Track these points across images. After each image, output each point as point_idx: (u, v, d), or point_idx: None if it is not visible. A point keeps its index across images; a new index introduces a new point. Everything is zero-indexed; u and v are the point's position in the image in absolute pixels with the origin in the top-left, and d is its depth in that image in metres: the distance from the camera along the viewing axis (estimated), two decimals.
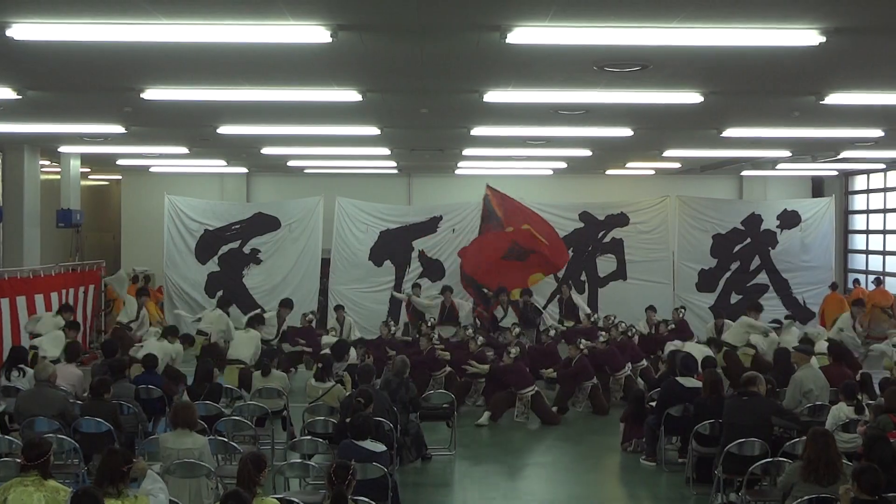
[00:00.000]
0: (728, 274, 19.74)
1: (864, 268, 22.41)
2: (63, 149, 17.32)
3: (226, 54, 8.30)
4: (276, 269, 19.27)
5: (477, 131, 13.56)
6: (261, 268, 19.45)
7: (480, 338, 14.49)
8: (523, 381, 12.88)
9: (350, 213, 19.69)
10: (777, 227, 19.93)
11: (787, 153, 16.71)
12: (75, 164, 18.39)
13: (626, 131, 13.56)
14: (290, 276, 19.18)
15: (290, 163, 19.35)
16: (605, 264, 19.73)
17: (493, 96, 10.35)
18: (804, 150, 16.46)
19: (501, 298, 17.22)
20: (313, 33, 7.25)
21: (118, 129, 13.44)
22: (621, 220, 19.81)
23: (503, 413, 12.88)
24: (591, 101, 10.76)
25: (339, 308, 16.77)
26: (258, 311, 16.12)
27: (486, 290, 17.94)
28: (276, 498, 6.44)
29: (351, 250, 19.50)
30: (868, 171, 21.81)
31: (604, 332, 14.71)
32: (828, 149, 16.33)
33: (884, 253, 21.35)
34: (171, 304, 19.30)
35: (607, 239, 19.81)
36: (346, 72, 9.29)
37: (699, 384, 10.22)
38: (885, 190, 21.30)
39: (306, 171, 21.40)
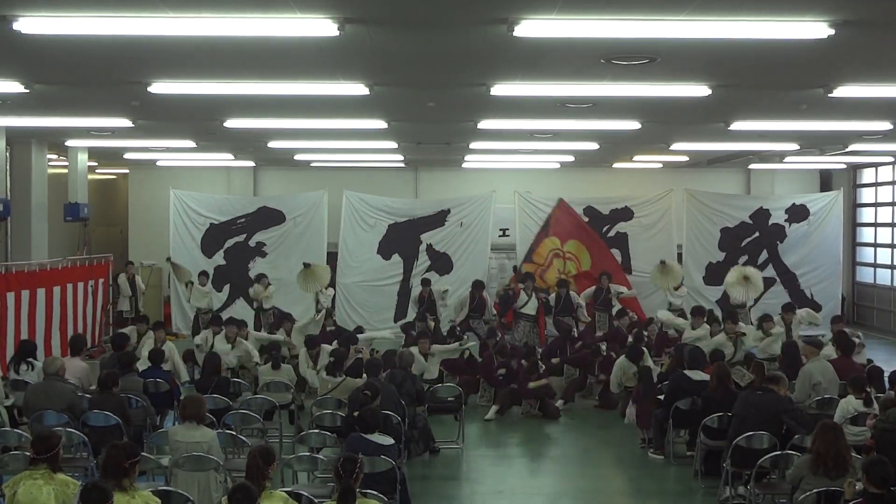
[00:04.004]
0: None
1: (872, 261, 22.35)
2: (70, 143, 17.35)
3: (233, 48, 8.29)
4: (281, 263, 19.29)
5: (484, 125, 13.53)
6: (266, 261, 19.51)
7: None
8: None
9: (357, 206, 19.70)
10: (785, 220, 19.91)
11: (794, 146, 16.65)
12: (82, 158, 18.41)
13: (634, 124, 13.53)
14: (294, 270, 19.19)
15: (297, 156, 19.36)
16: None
17: (500, 89, 10.32)
18: (812, 143, 16.41)
19: (527, 284, 17.13)
20: (320, 26, 7.24)
21: (125, 122, 13.43)
22: (625, 214, 19.82)
23: (510, 407, 12.88)
24: (599, 94, 10.73)
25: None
26: None
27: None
28: (285, 491, 6.45)
29: (359, 244, 19.51)
30: (876, 164, 21.74)
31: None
32: (836, 142, 16.26)
33: (892, 246, 21.27)
34: (177, 299, 19.37)
35: (612, 234, 19.81)
36: (353, 65, 9.28)
37: (707, 377, 10.20)
38: (893, 183, 21.19)
39: (313, 164, 21.40)
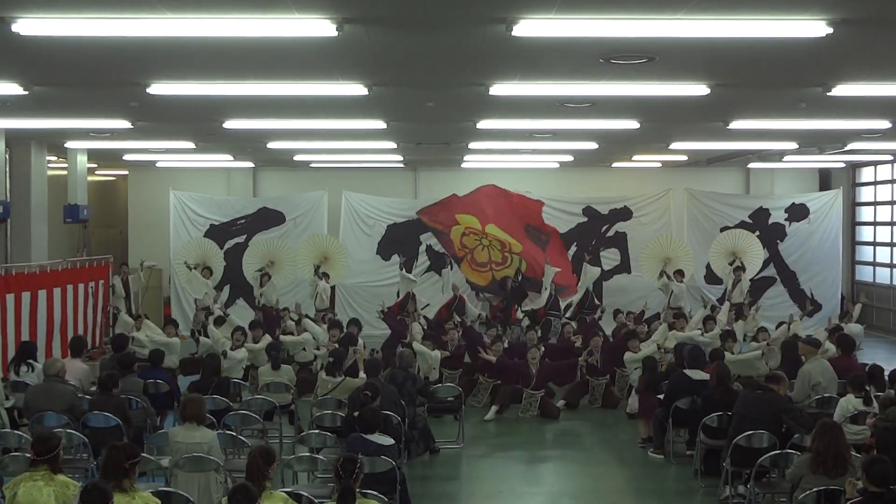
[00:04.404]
0: None
1: (871, 259, 22.36)
2: (70, 144, 17.34)
3: (231, 48, 8.29)
4: None
5: (483, 125, 13.53)
6: None
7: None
8: (541, 383, 13.01)
9: (357, 207, 19.71)
10: (785, 219, 19.94)
11: (793, 145, 16.66)
12: (82, 160, 18.42)
13: (633, 124, 13.53)
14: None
15: (297, 157, 19.35)
16: (609, 258, 19.75)
17: (499, 89, 10.32)
18: (811, 142, 16.41)
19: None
20: (319, 27, 7.24)
21: (124, 124, 13.43)
22: (624, 213, 19.85)
23: (509, 406, 12.88)
24: (598, 93, 10.73)
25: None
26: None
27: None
28: (285, 491, 6.45)
29: (358, 244, 19.50)
30: (875, 163, 21.73)
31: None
32: (835, 140, 16.26)
33: (892, 245, 21.27)
34: (177, 299, 19.36)
35: (611, 233, 19.83)
36: (352, 66, 9.28)
37: (707, 376, 10.21)
38: (892, 181, 21.18)
39: (312, 165, 21.39)
